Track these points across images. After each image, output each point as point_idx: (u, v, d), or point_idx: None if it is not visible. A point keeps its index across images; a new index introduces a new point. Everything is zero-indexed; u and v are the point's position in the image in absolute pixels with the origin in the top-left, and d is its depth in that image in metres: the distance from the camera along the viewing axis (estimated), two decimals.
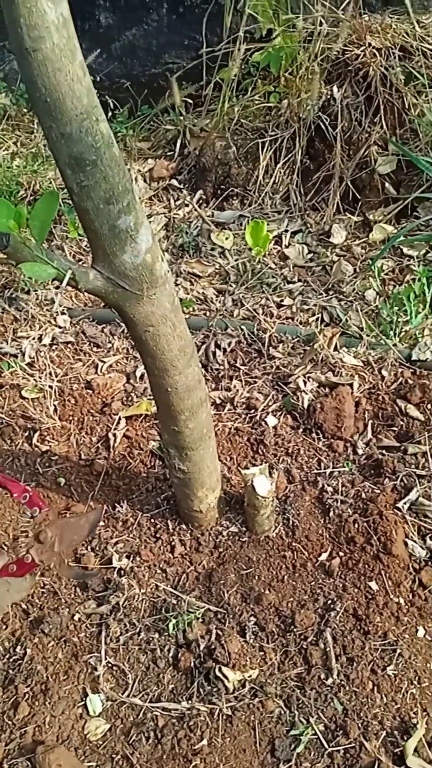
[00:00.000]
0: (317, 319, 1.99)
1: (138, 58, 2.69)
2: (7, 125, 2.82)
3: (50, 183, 2.46)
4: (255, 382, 1.83)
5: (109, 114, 2.69)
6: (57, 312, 2.05)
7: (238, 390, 1.81)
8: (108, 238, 0.97)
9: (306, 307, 2.04)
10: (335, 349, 1.85)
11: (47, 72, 0.83)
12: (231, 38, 2.27)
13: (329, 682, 1.22)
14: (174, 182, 2.52)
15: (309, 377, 1.78)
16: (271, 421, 1.72)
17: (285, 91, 2.32)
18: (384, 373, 1.81)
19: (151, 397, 1.78)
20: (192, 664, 1.25)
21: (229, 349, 1.92)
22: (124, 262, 1.00)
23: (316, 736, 1.16)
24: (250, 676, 1.22)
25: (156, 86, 2.64)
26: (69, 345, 2.00)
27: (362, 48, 2.18)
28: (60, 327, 2.05)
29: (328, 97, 2.25)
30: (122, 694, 1.23)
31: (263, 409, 1.75)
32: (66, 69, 0.83)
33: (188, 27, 2.57)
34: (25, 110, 2.88)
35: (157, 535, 1.49)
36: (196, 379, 1.21)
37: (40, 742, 1.15)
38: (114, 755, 1.15)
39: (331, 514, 1.50)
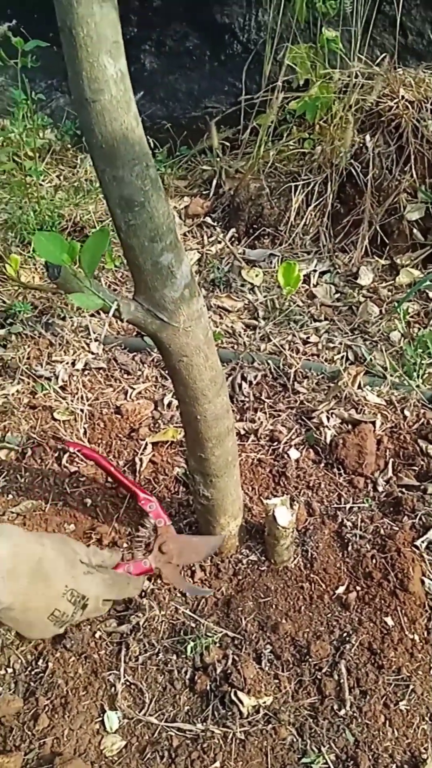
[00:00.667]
0: (342, 357, 2.04)
1: (179, 101, 2.81)
2: (52, 159, 2.95)
3: (90, 215, 2.57)
4: (279, 416, 1.88)
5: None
6: (93, 339, 2.13)
7: (262, 422, 1.86)
8: (150, 273, 1.04)
9: (332, 345, 2.10)
10: (359, 387, 1.90)
11: (104, 121, 0.91)
12: (269, 87, 2.38)
13: (342, 713, 1.24)
14: (208, 220, 2.61)
15: (332, 413, 1.83)
16: (294, 454, 1.76)
17: (319, 138, 2.42)
18: (406, 413, 1.85)
19: (178, 425, 1.84)
20: (208, 687, 1.27)
21: (255, 382, 1.98)
22: (164, 296, 1.06)
23: (327, 766, 1.17)
24: (264, 702, 1.25)
25: (195, 128, 2.76)
26: (101, 371, 2.07)
27: (395, 100, 2.27)
28: (93, 353, 2.13)
29: (361, 145, 2.34)
30: (139, 712, 1.26)
31: (286, 442, 1.79)
32: (121, 119, 0.91)
33: (229, 74, 2.69)
34: (69, 146, 3.02)
35: None
36: (224, 409, 1.27)
37: (58, 754, 1.18)
38: None
39: (349, 548, 1.53)
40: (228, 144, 2.66)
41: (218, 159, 2.64)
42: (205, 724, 1.22)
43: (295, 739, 1.21)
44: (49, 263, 0.97)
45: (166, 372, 1.26)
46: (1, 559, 0.94)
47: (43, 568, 0.99)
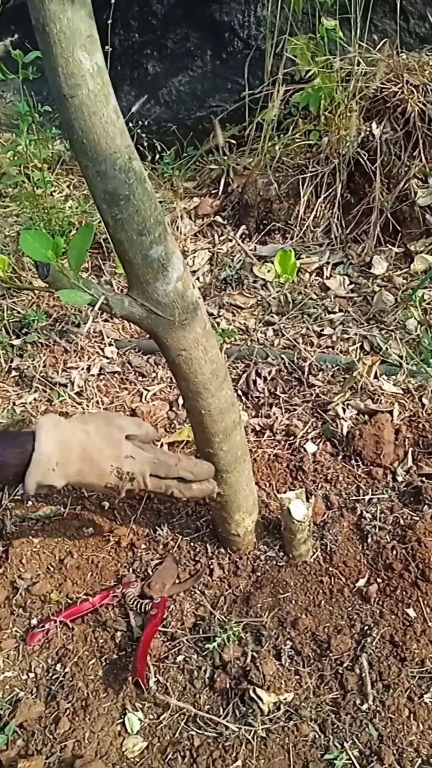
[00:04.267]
0: (358, 347, 2.01)
1: (183, 102, 2.81)
2: (62, 170, 2.98)
3: (100, 223, 2.57)
4: (294, 410, 1.85)
5: (157, 156, 2.82)
6: (107, 343, 2.14)
7: (277, 417, 1.83)
8: (141, 267, 1.03)
9: (346, 336, 2.06)
10: (375, 376, 1.86)
11: (83, 116, 0.91)
12: (272, 81, 2.36)
13: (364, 707, 1.21)
14: (218, 219, 2.60)
15: (348, 405, 1.79)
16: (311, 447, 1.74)
17: (325, 129, 2.39)
18: (425, 400, 1.81)
19: None
20: (227, 686, 1.26)
21: (269, 378, 1.96)
22: (156, 290, 1.06)
23: (350, 761, 1.14)
24: (285, 699, 1.22)
25: (201, 128, 2.75)
26: (116, 374, 2.08)
27: (400, 85, 2.24)
28: (107, 358, 2.14)
29: (367, 133, 2.31)
30: (160, 712, 1.25)
31: (302, 436, 1.77)
32: (101, 113, 0.91)
33: (231, 72, 2.69)
34: None
35: (197, 558, 1.52)
36: (229, 402, 1.25)
37: (79, 756, 1.18)
38: None
39: (369, 540, 1.50)
40: (234, 142, 2.65)
41: (225, 157, 2.63)
42: (225, 722, 1.20)
43: (317, 736, 1.18)
44: (38, 262, 0.97)
45: (168, 368, 1.25)
46: (50, 452, 1.09)
47: (88, 455, 1.14)
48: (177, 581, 1.46)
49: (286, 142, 2.47)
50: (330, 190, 2.37)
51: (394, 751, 1.15)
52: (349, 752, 1.15)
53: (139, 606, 1.40)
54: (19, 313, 2.30)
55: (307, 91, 2.28)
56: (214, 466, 1.32)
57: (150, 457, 1.21)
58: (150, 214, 1.00)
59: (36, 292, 2.38)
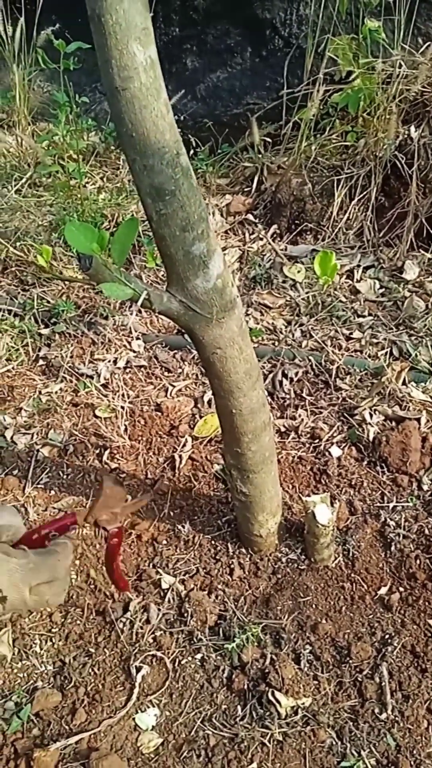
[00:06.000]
0: (386, 353, 1.99)
1: (221, 98, 2.80)
2: (95, 161, 2.98)
3: (132, 215, 2.57)
4: (320, 413, 1.84)
5: (191, 152, 2.81)
6: (135, 337, 2.14)
7: (303, 419, 1.82)
8: (182, 263, 1.03)
9: (375, 340, 2.04)
10: (404, 383, 1.85)
11: (134, 109, 0.90)
12: (311, 80, 2.34)
13: (383, 717, 1.20)
14: (250, 217, 2.59)
15: (375, 410, 1.78)
16: (335, 451, 1.73)
17: (362, 131, 2.37)
18: None
19: None
20: (245, 687, 1.25)
21: (296, 379, 1.95)
22: (196, 287, 1.05)
23: None
24: (303, 703, 1.22)
25: (237, 125, 2.74)
26: (142, 369, 2.07)
27: None
28: (134, 351, 2.14)
29: (405, 136, 2.28)
30: (176, 709, 1.25)
31: (327, 440, 1.76)
32: (151, 106, 0.90)
33: (270, 70, 2.67)
34: (112, 148, 3.05)
35: (217, 557, 1.52)
36: (260, 402, 1.25)
37: (95, 749, 1.18)
38: None
39: (392, 548, 1.49)
40: (270, 140, 2.64)
41: (260, 155, 2.62)
42: (242, 724, 1.20)
43: (334, 742, 1.18)
44: (80, 254, 0.97)
45: (202, 366, 1.24)
46: None
47: None
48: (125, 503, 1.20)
49: (323, 143, 2.45)
50: (364, 193, 2.35)
51: (412, 762, 1.14)
52: (366, 761, 1.14)
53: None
54: (48, 302, 2.31)
55: (347, 92, 2.26)
56: (240, 465, 1.32)
57: (22, 563, 0.92)
58: (194, 210, 0.99)
59: (66, 282, 2.39)
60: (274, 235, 2.49)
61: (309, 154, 2.46)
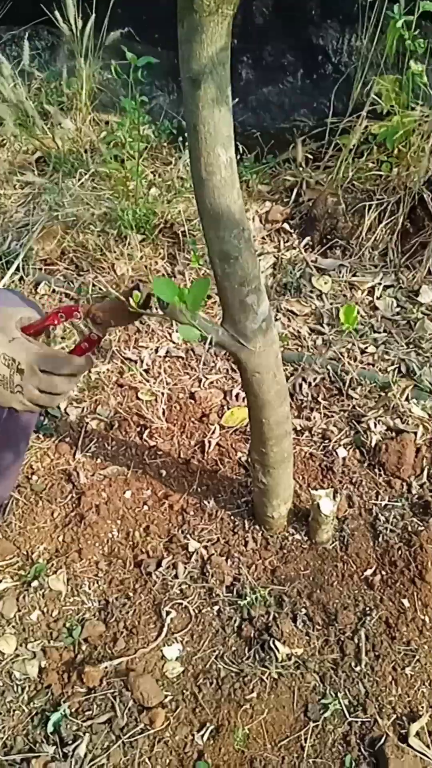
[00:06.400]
0: (395, 369, 2.28)
1: (270, 111, 3.03)
2: (148, 155, 3.23)
3: (180, 214, 2.84)
4: (332, 417, 2.15)
5: (239, 156, 3.06)
6: (175, 329, 2.44)
7: (316, 421, 2.13)
8: (237, 309, 1.32)
9: (387, 356, 2.33)
10: (406, 399, 2.14)
11: (214, 196, 1.19)
12: (355, 114, 2.58)
13: (358, 669, 1.54)
14: (286, 226, 2.85)
15: (379, 420, 2.08)
16: (342, 452, 2.03)
17: (396, 162, 2.61)
18: None
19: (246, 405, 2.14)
20: (252, 635, 1.59)
21: (314, 384, 2.25)
22: (245, 327, 1.35)
23: (340, 708, 1.48)
24: (296, 652, 1.55)
25: (282, 139, 2.98)
26: (179, 359, 2.38)
27: None
28: (174, 343, 2.44)
29: None
30: (196, 647, 1.59)
31: (336, 441, 2.06)
32: (227, 195, 1.19)
33: (319, 91, 2.90)
34: (165, 143, 3.29)
35: (235, 530, 1.84)
36: (284, 416, 1.55)
37: (132, 670, 1.53)
38: (184, 690, 1.51)
39: (380, 539, 1.80)
40: (311, 156, 2.88)
41: (301, 170, 2.87)
42: (247, 662, 1.54)
43: (317, 684, 1.52)
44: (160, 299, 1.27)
45: (241, 384, 1.54)
46: None
47: None
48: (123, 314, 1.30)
49: (359, 167, 2.70)
50: (392, 218, 2.61)
51: (376, 706, 1.48)
52: (341, 701, 1.48)
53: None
54: (101, 289, 2.60)
55: (386, 128, 2.50)
56: (262, 462, 1.63)
57: (36, 348, 1.12)
58: (251, 271, 1.28)
59: (116, 272, 2.67)
60: (307, 247, 2.76)
61: (346, 175, 2.71)
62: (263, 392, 1.47)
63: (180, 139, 3.15)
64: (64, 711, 1.46)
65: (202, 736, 1.44)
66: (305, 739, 1.44)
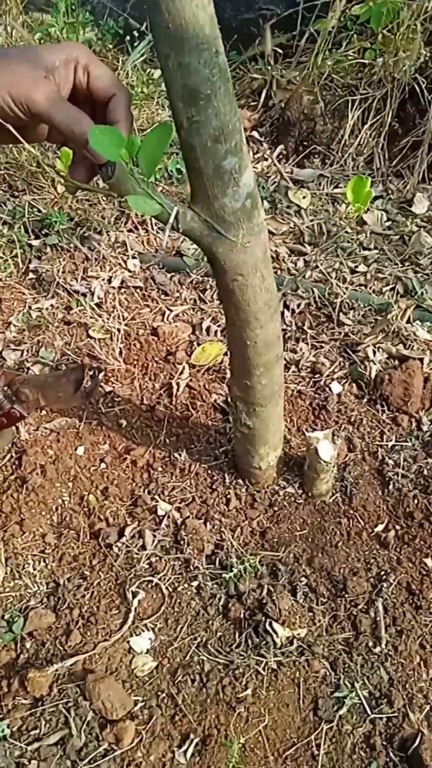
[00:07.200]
0: (392, 289, 1.94)
1: (230, 1, 2.60)
2: None
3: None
4: (322, 347, 1.80)
5: None
6: (130, 255, 2.04)
7: (304, 353, 1.78)
8: (211, 179, 0.95)
9: (380, 276, 1.99)
10: (408, 321, 1.80)
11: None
12: None
13: (377, 650, 1.22)
14: (255, 134, 2.45)
15: (379, 348, 1.74)
16: (336, 387, 1.69)
17: (382, 49, 2.23)
18: None
19: (220, 343, 1.78)
20: (241, 616, 1.26)
21: (297, 311, 1.89)
22: (223, 205, 0.97)
23: (359, 701, 1.16)
24: (298, 634, 1.23)
25: (246, 32, 2.55)
26: (137, 290, 1.99)
27: None
28: (130, 271, 2.04)
29: (427, 58, 2.15)
30: (171, 635, 1.25)
31: (328, 375, 1.72)
32: None
33: None
34: (110, 46, 2.84)
35: (213, 487, 1.50)
36: (275, 335, 1.19)
37: (90, 671, 1.18)
38: (159, 692, 1.18)
39: (390, 487, 1.48)
40: (281, 51, 2.47)
41: (269, 68, 2.46)
42: (237, 651, 1.21)
43: (328, 673, 1.20)
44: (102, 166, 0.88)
45: (218, 293, 1.18)
46: None
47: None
48: (59, 396, 1.13)
49: (338, 59, 2.31)
50: (378, 117, 2.24)
51: (404, 696, 1.17)
52: (359, 692, 1.17)
53: None
54: (39, 212, 2.18)
55: (370, 6, 2.10)
56: (247, 398, 1.28)
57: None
58: (229, 119, 0.90)
59: (58, 192, 2.25)
60: (280, 156, 2.37)
61: (323, 69, 2.31)
62: (248, 302, 1.10)
63: (127, 38, 2.70)
64: (3, 731, 1.11)
65: (185, 752, 1.10)
66: (317, 746, 1.12)
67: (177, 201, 0.96)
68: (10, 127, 0.83)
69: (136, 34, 2.68)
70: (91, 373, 1.11)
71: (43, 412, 1.68)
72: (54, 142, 0.96)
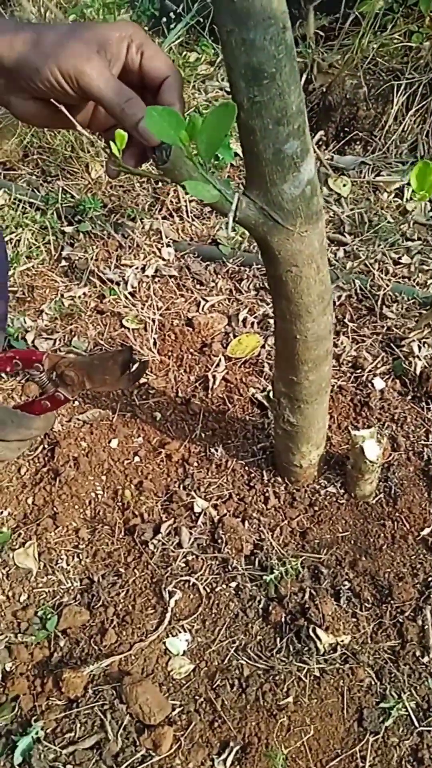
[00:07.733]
0: None
1: None
2: None
3: None
4: (363, 341, 1.74)
5: None
6: (165, 243, 1.99)
7: (345, 347, 1.72)
8: (270, 164, 0.89)
9: (425, 267, 1.91)
10: None
11: None
12: None
13: (425, 660, 1.17)
14: None
15: (425, 342, 1.68)
16: (378, 383, 1.64)
17: (429, 33, 2.14)
18: None
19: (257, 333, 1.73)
20: (282, 620, 1.21)
21: (338, 303, 1.83)
22: (281, 192, 0.91)
23: (406, 713, 1.12)
24: (342, 641, 1.18)
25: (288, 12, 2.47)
26: (172, 279, 1.94)
27: None
28: (164, 259, 2.00)
29: None
30: (209, 637, 1.21)
31: (370, 370, 1.66)
32: None
33: None
34: (146, 28, 2.76)
35: (251, 484, 1.45)
36: (327, 329, 1.14)
37: (126, 673, 1.15)
38: (197, 697, 1.14)
39: None
40: (323, 34, 2.38)
41: (311, 50, 2.37)
42: (278, 657, 1.17)
43: (373, 682, 1.15)
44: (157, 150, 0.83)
45: (268, 283, 1.12)
46: None
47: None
48: (105, 378, 1.06)
49: (383, 42, 2.22)
50: (424, 102, 2.15)
51: None
52: (406, 703, 1.12)
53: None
54: (73, 197, 2.14)
55: None
56: (292, 394, 1.23)
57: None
58: (293, 100, 0.84)
59: (92, 177, 2.21)
60: (320, 142, 2.30)
61: (367, 53, 2.23)
62: (300, 294, 1.04)
63: (163, 20, 2.64)
64: (37, 733, 1.07)
65: (224, 761, 1.07)
66: (362, 758, 1.07)
67: (230, 187, 0.90)
68: (58, 104, 0.77)
69: (172, 16, 2.61)
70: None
71: (77, 402, 1.64)
72: (95, 130, 0.90)
